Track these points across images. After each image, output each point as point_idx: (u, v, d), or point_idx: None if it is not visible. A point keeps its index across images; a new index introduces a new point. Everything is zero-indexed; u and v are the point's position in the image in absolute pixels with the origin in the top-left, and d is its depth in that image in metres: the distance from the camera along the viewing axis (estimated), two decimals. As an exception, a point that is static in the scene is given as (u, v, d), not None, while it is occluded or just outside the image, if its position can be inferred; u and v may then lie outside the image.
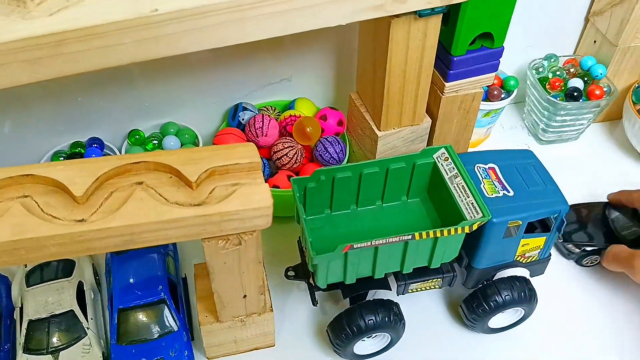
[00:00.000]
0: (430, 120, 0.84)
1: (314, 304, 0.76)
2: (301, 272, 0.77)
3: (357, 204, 0.79)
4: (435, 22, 0.70)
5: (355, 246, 0.66)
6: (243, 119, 0.91)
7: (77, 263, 0.81)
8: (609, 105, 1.06)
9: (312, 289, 0.76)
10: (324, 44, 0.94)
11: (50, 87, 0.85)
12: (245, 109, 0.92)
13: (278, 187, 0.84)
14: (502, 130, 1.13)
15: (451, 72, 0.77)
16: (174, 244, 0.85)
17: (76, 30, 0.55)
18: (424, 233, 0.67)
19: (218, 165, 0.60)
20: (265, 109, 0.95)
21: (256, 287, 0.69)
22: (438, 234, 0.68)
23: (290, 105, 0.95)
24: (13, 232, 0.52)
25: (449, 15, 0.72)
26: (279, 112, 0.95)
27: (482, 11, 0.71)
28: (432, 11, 0.67)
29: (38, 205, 0.56)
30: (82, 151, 0.87)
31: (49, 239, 0.53)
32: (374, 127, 0.83)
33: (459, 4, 0.70)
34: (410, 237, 0.67)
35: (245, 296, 0.69)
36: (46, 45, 0.55)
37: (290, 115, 0.90)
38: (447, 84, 0.79)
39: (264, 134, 0.87)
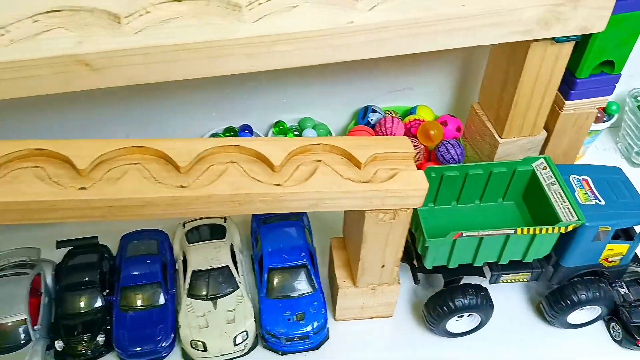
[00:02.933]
0: (546, 133, 0.95)
1: (415, 283, 0.88)
2: (404, 254, 0.87)
3: (457, 201, 0.90)
4: (568, 48, 0.81)
5: (464, 234, 0.78)
6: (372, 120, 1.04)
7: (228, 228, 0.96)
8: None
9: (415, 269, 0.87)
10: (446, 58, 1.06)
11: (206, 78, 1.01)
12: (374, 110, 1.05)
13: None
14: (596, 151, 1.22)
15: (573, 92, 0.88)
16: (309, 220, 0.98)
17: (287, 34, 0.69)
18: (525, 229, 0.79)
19: (380, 152, 0.73)
20: (389, 113, 1.07)
21: (395, 259, 0.81)
22: (537, 231, 0.79)
23: (411, 111, 1.07)
24: (231, 187, 0.66)
25: (579, 43, 0.83)
26: (400, 117, 1.07)
27: (609, 41, 0.82)
28: (568, 38, 0.79)
29: (244, 170, 0.70)
30: (235, 135, 1.02)
31: (257, 196, 0.67)
32: (496, 135, 0.94)
33: (590, 34, 0.80)
34: (512, 231, 0.79)
35: (383, 266, 0.81)
36: (262, 44, 0.69)
37: (415, 119, 1.02)
38: (567, 102, 0.89)
39: (392, 134, 0.99)
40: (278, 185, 0.69)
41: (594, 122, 1.09)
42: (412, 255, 0.86)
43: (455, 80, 1.08)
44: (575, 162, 1.18)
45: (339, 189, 0.69)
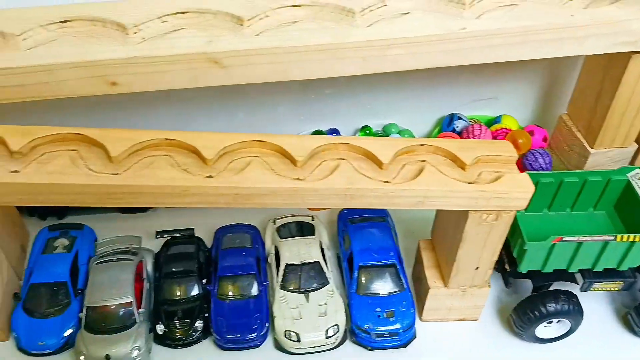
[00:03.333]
0: (637, 146, 0.95)
1: (507, 286, 0.89)
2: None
3: (549, 208, 0.91)
4: (669, 59, 0.82)
5: (564, 239, 0.79)
6: (457, 127, 1.06)
7: (316, 227, 0.99)
8: None
9: (506, 273, 0.89)
10: (531, 68, 1.07)
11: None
12: (459, 118, 1.07)
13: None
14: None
15: (668, 103, 0.88)
16: (393, 222, 1.00)
17: (401, 39, 0.72)
18: (624, 236, 0.79)
19: (484, 154, 0.75)
20: (472, 121, 1.09)
21: (490, 261, 0.82)
22: (637, 239, 0.79)
23: (495, 120, 1.09)
24: (346, 182, 0.70)
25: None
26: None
27: None
28: (672, 50, 0.80)
29: (354, 167, 0.73)
30: (324, 137, 1.06)
31: (369, 191, 0.70)
32: (586, 145, 0.95)
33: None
34: (612, 238, 0.79)
35: (477, 268, 0.83)
36: (377, 48, 0.73)
37: (502, 128, 1.04)
38: (661, 114, 0.90)
39: (480, 141, 1.01)
40: (387, 182, 0.71)
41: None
42: (502, 259, 0.88)
43: (541, 90, 1.09)
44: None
45: (447, 187, 0.71)
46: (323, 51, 0.71)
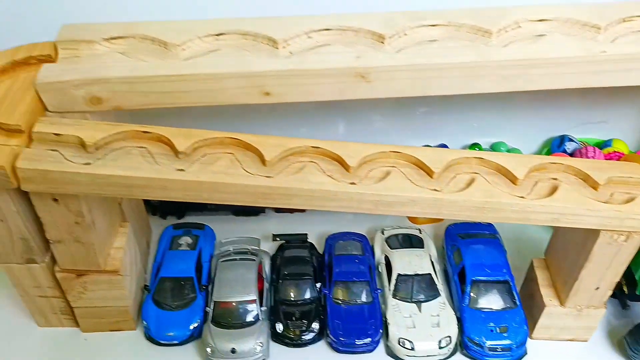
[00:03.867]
0: None
1: (624, 308, 0.90)
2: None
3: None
4: None
5: None
6: (568, 149, 1.06)
7: (424, 239, 1.01)
8: None
9: (624, 295, 0.89)
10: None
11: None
12: (571, 140, 1.07)
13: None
14: None
15: None
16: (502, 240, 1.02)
17: (543, 59, 0.74)
18: None
19: (615, 175, 0.76)
20: (583, 144, 1.09)
21: (611, 282, 0.82)
22: None
23: (605, 144, 1.09)
24: (484, 195, 0.72)
25: None
26: (593, 147, 1.10)
27: None
28: None
29: (487, 181, 0.75)
30: (433, 152, 1.08)
31: (508, 206, 0.72)
32: None
33: None
34: None
35: (597, 288, 0.83)
36: (519, 67, 0.75)
37: (614, 152, 1.04)
38: None
39: (593, 163, 1.01)
40: (522, 197, 0.73)
41: None
42: (620, 281, 0.87)
43: (653, 117, 1.09)
44: None
45: (584, 205, 0.72)
46: (464, 69, 0.74)
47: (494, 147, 1.11)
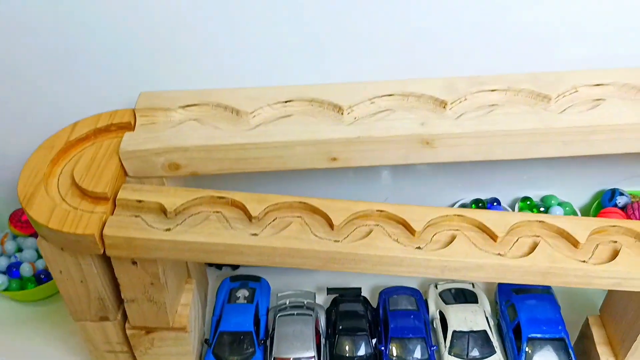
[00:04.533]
0: None
1: None
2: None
3: None
4: None
5: None
6: (619, 203, 1.07)
7: (478, 294, 1.02)
8: None
9: None
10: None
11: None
12: (621, 194, 1.08)
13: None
14: None
15: None
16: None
17: (604, 125, 0.76)
18: None
19: (676, 238, 0.77)
20: (634, 197, 1.10)
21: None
22: None
23: (656, 197, 1.10)
24: (548, 260, 0.73)
25: None
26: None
27: None
28: None
29: (550, 245, 0.76)
30: (483, 206, 1.10)
31: (571, 270, 0.73)
32: None
33: None
34: None
35: (654, 349, 0.83)
36: (580, 133, 0.77)
37: (667, 206, 1.04)
38: None
39: (646, 218, 1.02)
40: (583, 261, 0.74)
41: None
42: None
43: None
44: None
45: (644, 270, 0.73)
46: (526, 135, 0.77)
47: (544, 200, 1.12)
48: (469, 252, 0.73)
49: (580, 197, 1.15)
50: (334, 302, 1.03)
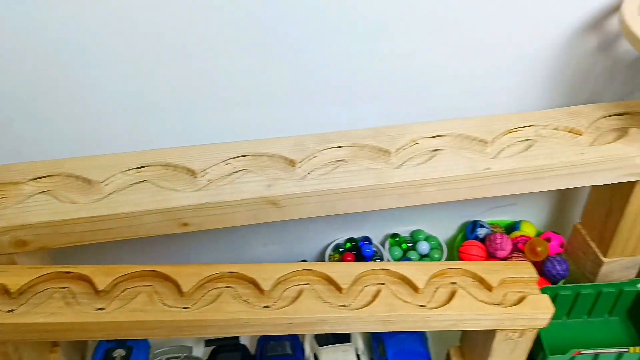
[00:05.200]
0: (647, 253, 1.04)
1: None
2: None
3: (568, 316, 0.99)
4: (671, 183, 0.92)
5: (583, 352, 0.87)
6: (480, 234, 1.15)
7: (353, 334, 1.07)
8: None
9: None
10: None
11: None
12: (482, 225, 1.16)
13: (511, 293, 1.06)
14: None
15: (673, 219, 0.97)
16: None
17: (434, 179, 0.83)
18: (637, 348, 0.87)
19: (508, 276, 0.84)
20: (493, 226, 1.18)
21: (513, 373, 0.90)
22: None
23: (515, 226, 1.18)
24: (387, 308, 0.78)
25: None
26: (504, 230, 1.19)
27: None
28: (672, 178, 0.89)
29: (392, 292, 0.82)
30: (356, 245, 1.15)
31: (408, 316, 0.79)
32: (599, 255, 1.03)
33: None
34: (626, 350, 0.88)
35: (504, 378, 0.90)
36: (412, 187, 0.83)
37: (521, 235, 1.13)
38: (667, 228, 0.99)
39: (502, 249, 1.10)
40: (422, 306, 0.80)
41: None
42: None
43: (556, 198, 1.19)
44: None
45: (478, 311, 0.79)
46: (365, 191, 0.82)
47: (413, 235, 1.19)
48: (314, 307, 0.77)
49: (447, 230, 1.23)
50: (213, 353, 1.05)
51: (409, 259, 1.14)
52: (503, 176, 0.84)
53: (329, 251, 1.16)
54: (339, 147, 0.88)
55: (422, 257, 1.15)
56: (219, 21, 0.81)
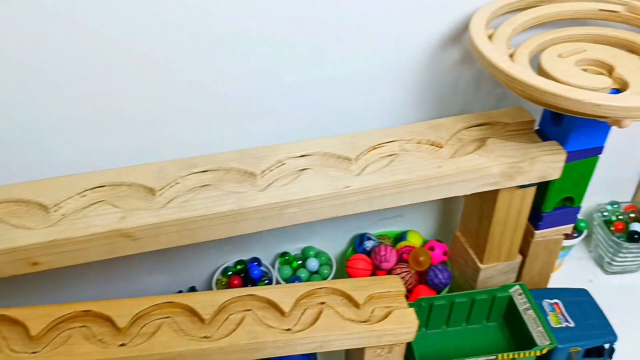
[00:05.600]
0: (522, 257, 1.07)
1: None
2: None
3: (447, 324, 1.01)
4: (532, 190, 0.95)
5: None
6: (367, 247, 1.16)
7: None
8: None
9: None
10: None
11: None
12: (369, 238, 1.17)
13: (397, 304, 1.08)
14: (572, 260, 1.34)
15: (540, 223, 1.01)
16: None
17: (295, 200, 0.82)
18: (505, 354, 0.90)
19: (375, 292, 0.85)
20: (381, 238, 1.20)
21: (392, 386, 0.91)
22: (515, 356, 0.90)
23: (402, 236, 1.20)
24: (248, 337, 0.77)
25: (542, 186, 0.97)
26: (392, 241, 1.20)
27: (566, 183, 0.96)
28: (530, 184, 0.93)
29: (258, 317, 0.81)
30: (245, 267, 1.14)
31: (271, 343, 0.78)
32: (477, 261, 1.06)
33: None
34: (494, 357, 0.91)
35: (383, 392, 0.91)
36: (274, 209, 0.83)
37: (406, 246, 1.15)
38: (536, 232, 1.02)
39: (387, 261, 1.11)
40: (288, 330, 0.80)
41: (565, 239, 1.22)
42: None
43: (439, 208, 1.22)
44: (553, 274, 1.30)
45: (342, 330, 0.80)
46: (226, 217, 0.81)
47: (304, 252, 1.19)
48: (171, 341, 0.75)
49: (338, 244, 1.23)
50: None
51: (299, 277, 1.13)
52: (363, 193, 0.84)
53: (216, 275, 1.14)
54: (204, 171, 0.87)
55: (312, 274, 1.15)
56: (62, 42, 0.78)
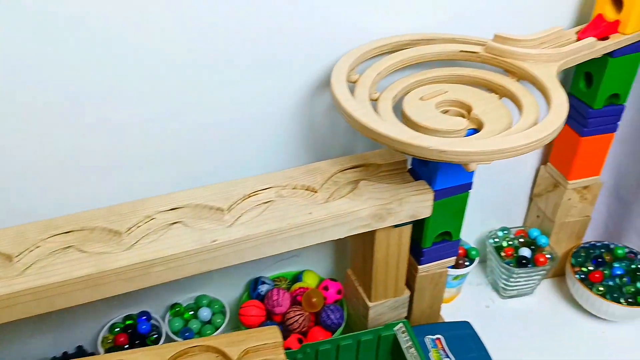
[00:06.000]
0: (409, 292, 1.08)
1: None
2: None
3: (336, 368, 1.01)
4: (407, 228, 0.97)
5: None
6: (262, 291, 1.14)
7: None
8: (556, 266, 1.31)
9: None
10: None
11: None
12: (263, 282, 1.16)
13: (290, 349, 1.06)
14: (471, 287, 1.37)
15: (422, 258, 1.03)
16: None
17: (160, 258, 0.80)
18: None
19: (252, 345, 0.84)
20: (278, 280, 1.19)
21: None
22: None
23: (298, 276, 1.20)
24: (114, 405, 0.74)
25: (418, 223, 0.99)
26: (289, 282, 1.19)
27: (441, 219, 0.98)
28: (403, 224, 0.94)
29: (127, 382, 0.78)
30: (134, 322, 1.10)
31: (138, 409, 0.75)
32: (366, 299, 1.07)
33: (423, 216, 0.97)
34: None
35: None
36: (139, 269, 0.80)
37: (300, 287, 1.14)
38: (419, 267, 1.04)
39: (279, 305, 1.10)
40: (159, 394, 0.77)
41: (457, 268, 1.25)
42: None
43: (334, 247, 1.22)
44: (452, 301, 1.32)
45: (214, 390, 0.78)
46: (85, 282, 0.78)
47: (197, 301, 1.16)
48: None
49: (233, 290, 1.21)
50: None
51: (190, 330, 1.10)
52: (233, 245, 0.83)
53: (102, 333, 1.09)
54: (67, 232, 0.84)
55: (205, 324, 1.13)
56: None
